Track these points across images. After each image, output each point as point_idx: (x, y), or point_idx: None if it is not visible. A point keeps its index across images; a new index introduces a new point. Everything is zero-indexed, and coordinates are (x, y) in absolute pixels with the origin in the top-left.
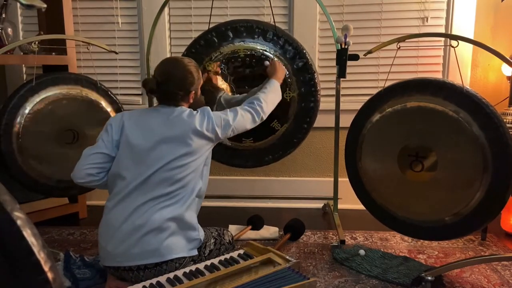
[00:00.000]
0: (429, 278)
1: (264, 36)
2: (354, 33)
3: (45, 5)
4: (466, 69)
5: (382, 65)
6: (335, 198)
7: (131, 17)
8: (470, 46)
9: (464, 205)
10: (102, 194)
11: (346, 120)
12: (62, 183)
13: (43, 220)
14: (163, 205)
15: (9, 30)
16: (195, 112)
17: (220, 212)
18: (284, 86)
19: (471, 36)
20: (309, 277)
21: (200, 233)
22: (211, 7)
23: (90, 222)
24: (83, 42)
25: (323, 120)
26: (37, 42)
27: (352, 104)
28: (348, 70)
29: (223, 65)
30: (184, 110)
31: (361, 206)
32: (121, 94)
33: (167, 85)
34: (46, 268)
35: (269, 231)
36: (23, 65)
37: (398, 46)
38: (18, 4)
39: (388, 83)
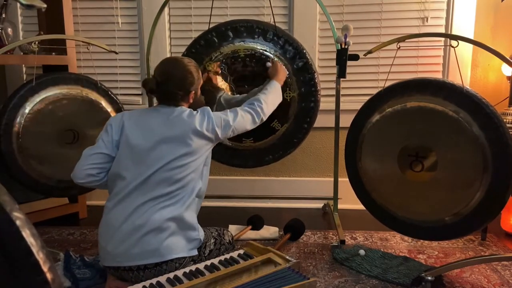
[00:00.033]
0: (429, 278)
1: (264, 36)
2: (354, 33)
3: (45, 5)
4: (466, 69)
5: (382, 65)
6: (335, 198)
7: (131, 17)
8: (470, 46)
9: (464, 205)
10: (102, 194)
11: (346, 120)
12: (62, 183)
13: (43, 220)
14: (163, 205)
15: (9, 30)
16: (195, 112)
17: (220, 212)
18: (284, 86)
19: (471, 36)
20: (309, 277)
21: (200, 233)
22: (211, 7)
23: (90, 222)
24: (83, 42)
25: (323, 120)
26: (37, 42)
27: (352, 104)
28: (348, 70)
29: (223, 65)
30: (184, 110)
31: (361, 206)
32: (121, 94)
33: (167, 85)
34: (45, 268)
35: (269, 231)
36: (23, 65)
37: (398, 46)
38: (18, 4)
39: (388, 83)
